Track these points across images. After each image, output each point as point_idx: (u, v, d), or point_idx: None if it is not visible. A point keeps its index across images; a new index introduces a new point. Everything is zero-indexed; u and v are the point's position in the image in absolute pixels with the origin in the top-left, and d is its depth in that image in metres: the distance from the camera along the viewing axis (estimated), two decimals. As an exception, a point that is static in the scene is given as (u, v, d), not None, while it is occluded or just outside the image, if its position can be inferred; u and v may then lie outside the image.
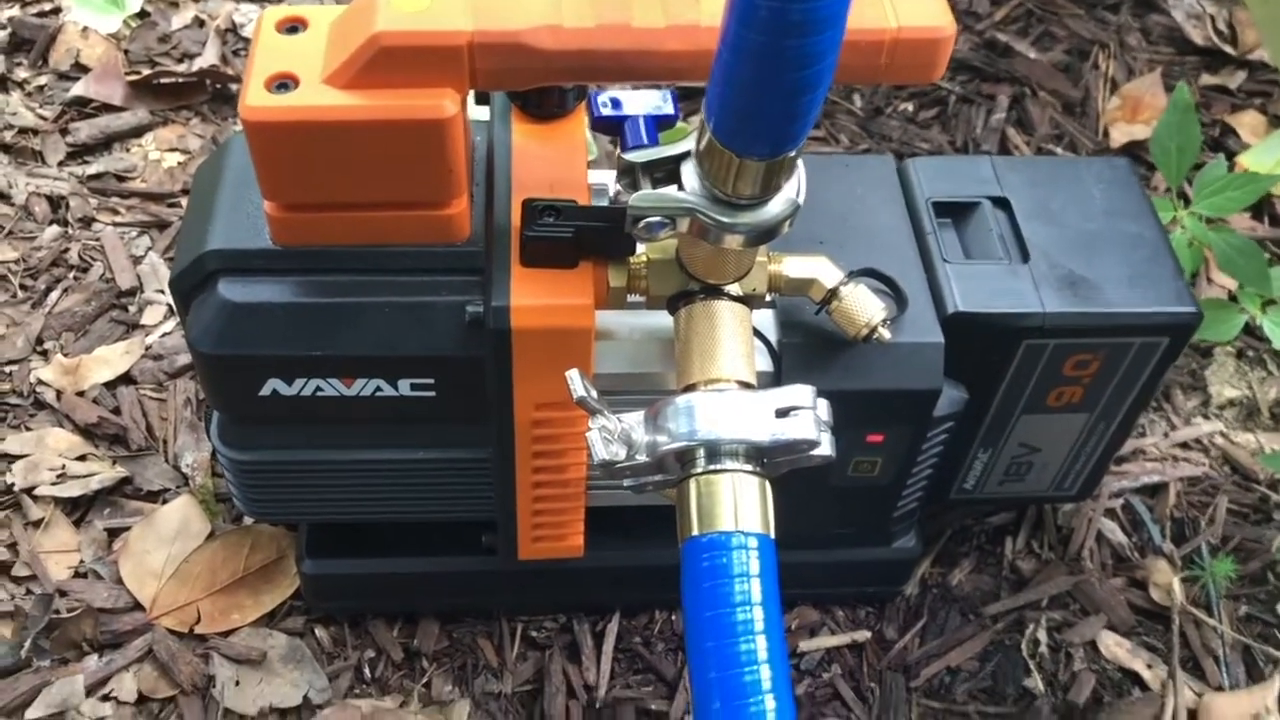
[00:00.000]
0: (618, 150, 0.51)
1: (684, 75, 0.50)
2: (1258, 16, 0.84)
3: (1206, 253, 0.82)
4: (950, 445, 0.66)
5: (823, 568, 0.72)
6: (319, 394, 0.58)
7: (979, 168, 0.66)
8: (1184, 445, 0.83)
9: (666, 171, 0.50)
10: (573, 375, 0.50)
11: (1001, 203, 0.65)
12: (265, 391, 0.57)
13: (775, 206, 0.48)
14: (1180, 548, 0.78)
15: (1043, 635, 0.74)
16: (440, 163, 0.52)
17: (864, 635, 0.74)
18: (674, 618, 0.74)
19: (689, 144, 0.49)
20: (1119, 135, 1.00)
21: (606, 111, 0.52)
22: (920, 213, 0.64)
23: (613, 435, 0.50)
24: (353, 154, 0.51)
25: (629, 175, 0.50)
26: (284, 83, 0.50)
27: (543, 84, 0.52)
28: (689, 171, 0.49)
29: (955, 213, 0.65)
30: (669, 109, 0.52)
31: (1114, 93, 1.04)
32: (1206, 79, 1.06)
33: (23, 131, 0.97)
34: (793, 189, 0.48)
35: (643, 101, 0.52)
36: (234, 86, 1.02)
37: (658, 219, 0.49)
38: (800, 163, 0.49)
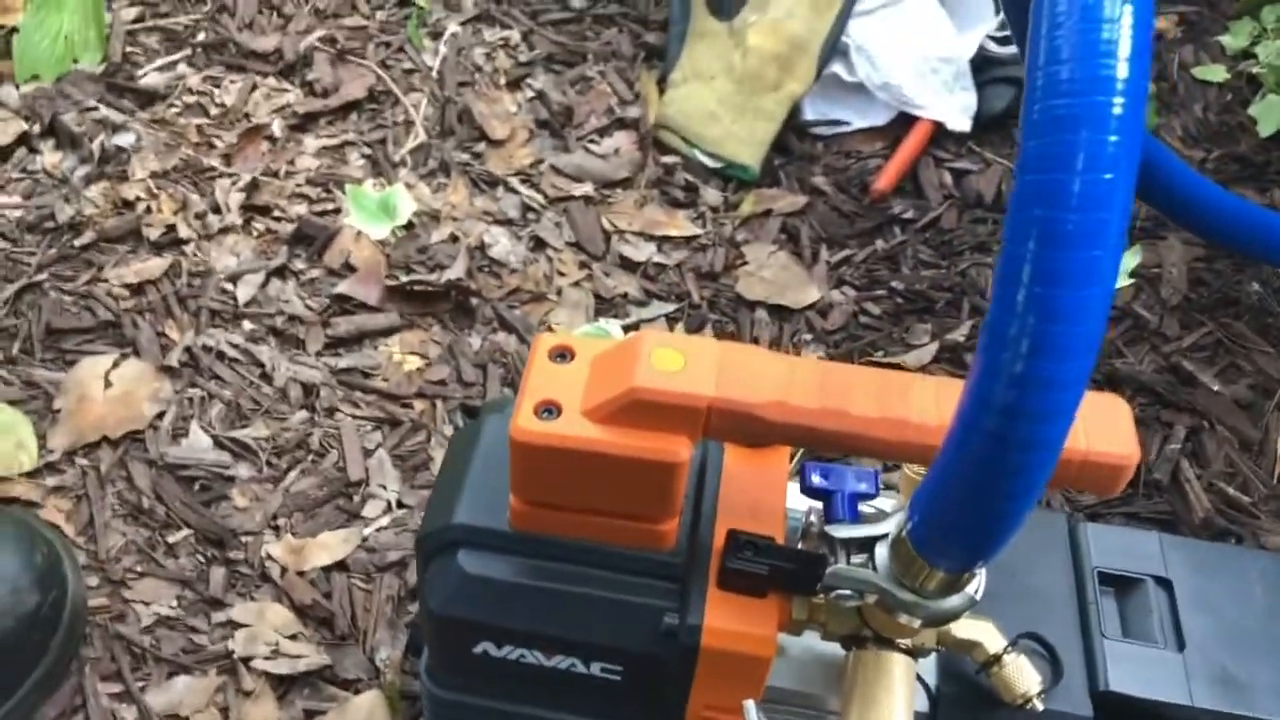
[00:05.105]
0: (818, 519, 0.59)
1: (887, 457, 0.58)
2: None
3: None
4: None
5: None
6: (521, 660, 0.66)
7: (1147, 543, 0.71)
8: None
9: (861, 546, 0.57)
10: (749, 707, 0.57)
11: (1164, 583, 0.69)
12: (477, 650, 0.66)
13: (955, 600, 0.55)
14: None
15: None
16: (665, 492, 0.60)
17: None
18: None
19: (888, 527, 0.56)
20: (1295, 485, 1.02)
21: (816, 482, 0.59)
22: (1085, 579, 0.69)
23: (775, 765, 0.56)
24: (596, 476, 0.59)
25: (828, 543, 0.58)
26: (549, 409, 0.59)
27: (765, 445, 0.61)
28: (882, 554, 0.55)
29: (1118, 584, 0.70)
30: (870, 489, 0.59)
31: (1294, 438, 1.06)
32: (1392, 437, 1.07)
33: (292, 319, 1.12)
34: (974, 587, 0.55)
35: (849, 479, 0.60)
36: (474, 301, 1.14)
37: (849, 591, 0.56)
38: (981, 562, 0.55)
